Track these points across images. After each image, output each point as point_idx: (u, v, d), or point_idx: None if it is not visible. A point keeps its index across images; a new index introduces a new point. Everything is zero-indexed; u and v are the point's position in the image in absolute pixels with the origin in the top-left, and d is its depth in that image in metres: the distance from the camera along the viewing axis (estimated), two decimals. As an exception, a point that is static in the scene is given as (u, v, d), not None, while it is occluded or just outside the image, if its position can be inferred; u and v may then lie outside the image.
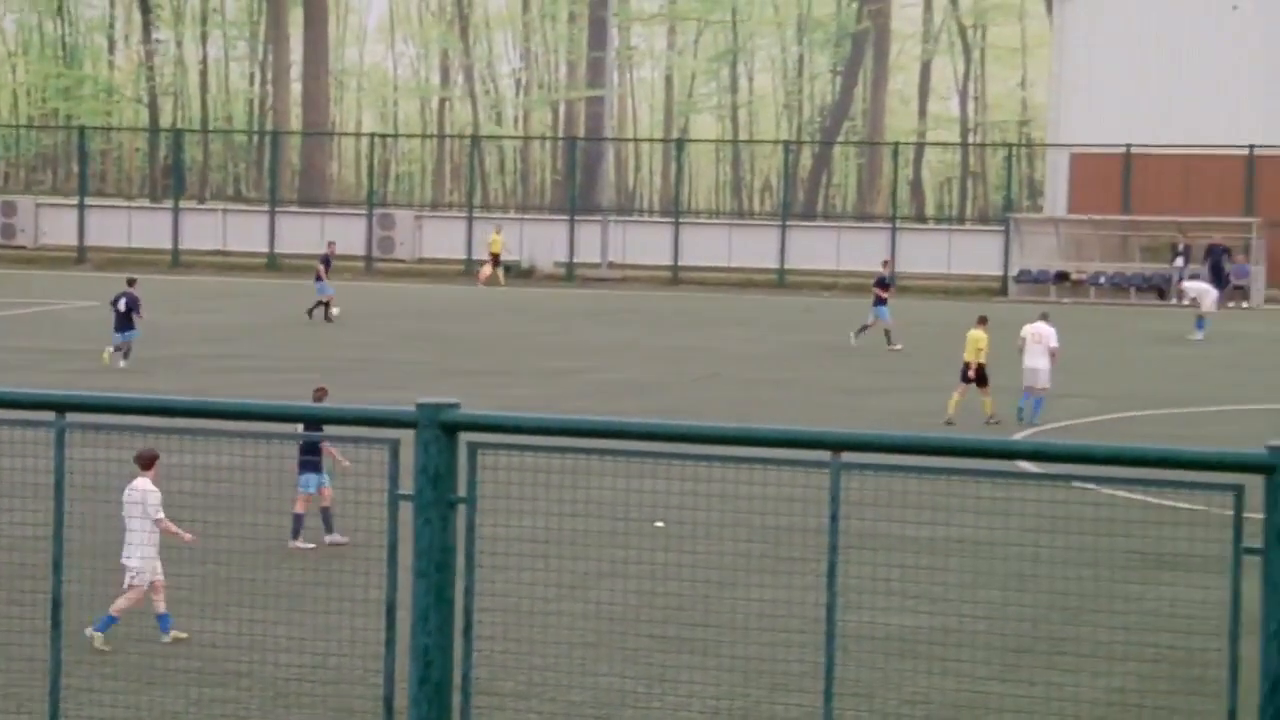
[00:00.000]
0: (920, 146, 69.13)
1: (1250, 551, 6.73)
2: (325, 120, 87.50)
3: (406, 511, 7.57)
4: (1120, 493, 20.23)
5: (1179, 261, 60.77)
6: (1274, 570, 6.58)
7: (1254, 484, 6.72)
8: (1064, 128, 67.16)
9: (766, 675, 15.08)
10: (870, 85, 70.08)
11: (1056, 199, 67.18)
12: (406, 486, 7.61)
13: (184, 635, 16.73)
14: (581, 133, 72.28)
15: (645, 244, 69.11)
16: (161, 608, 16.80)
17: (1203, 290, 50.92)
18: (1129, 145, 64.08)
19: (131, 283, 39.34)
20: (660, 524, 18.04)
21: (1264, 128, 63.28)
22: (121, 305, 38.05)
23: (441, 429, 7.42)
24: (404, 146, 76.05)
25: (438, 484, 7.44)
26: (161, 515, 16.89)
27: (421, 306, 56.99)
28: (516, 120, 74.92)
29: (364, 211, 71.83)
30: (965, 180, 68.63)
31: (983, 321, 34.79)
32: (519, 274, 68.27)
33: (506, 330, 49.89)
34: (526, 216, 71.93)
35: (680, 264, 67.37)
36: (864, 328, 46.17)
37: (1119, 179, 64.64)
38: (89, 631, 16.32)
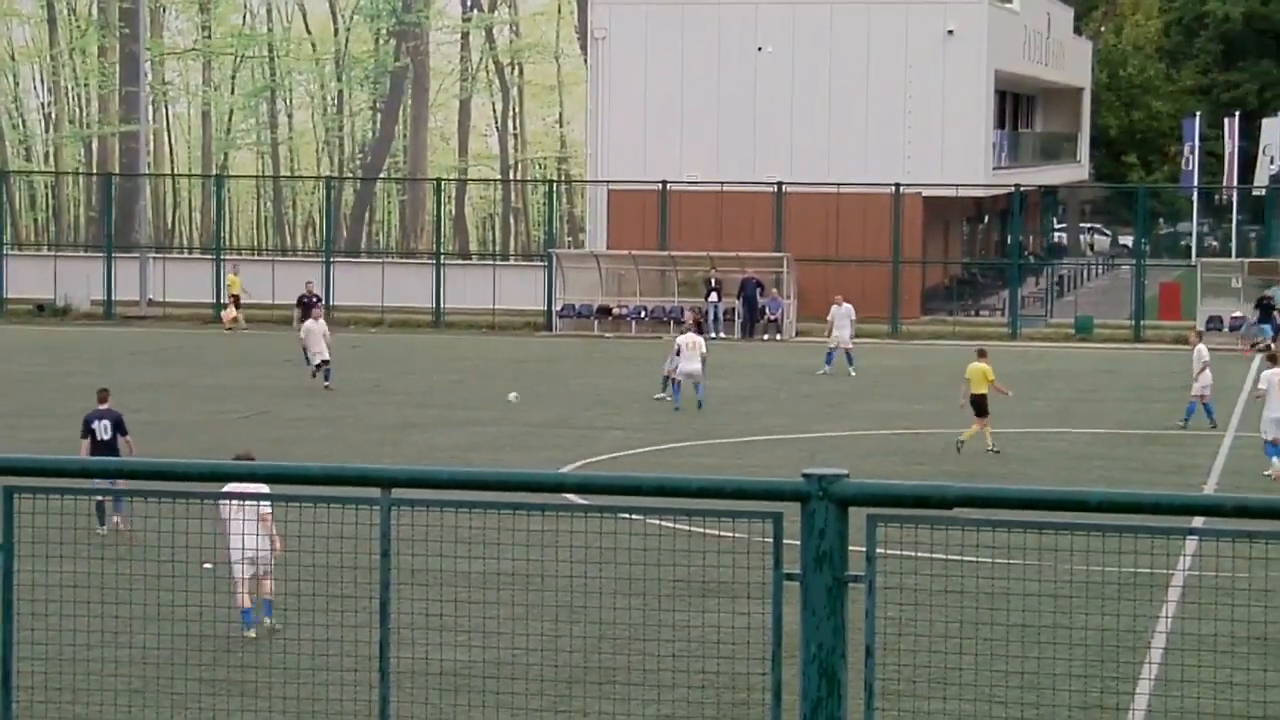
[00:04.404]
0: (462, 183, 69.54)
1: (790, 577, 6.94)
2: None
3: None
4: (665, 523, 20.65)
5: (713, 296, 62.39)
6: (812, 595, 6.80)
7: (791, 511, 6.95)
8: (601, 164, 68.35)
9: (321, 715, 14.94)
10: (411, 122, 70.24)
11: (597, 235, 68.29)
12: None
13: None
14: (116, 168, 70.69)
15: (186, 281, 67.82)
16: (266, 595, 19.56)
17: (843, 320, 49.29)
18: (664, 182, 65.58)
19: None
20: (208, 565, 17.73)
21: (791, 164, 65.48)
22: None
23: (-27, 474, 7.18)
24: (-72, 182, 73.48)
25: (-29, 531, 7.21)
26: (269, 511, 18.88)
27: (-51, 348, 54.88)
28: (47, 156, 72.85)
29: (-116, 250, 68.90)
30: (508, 216, 69.33)
31: (982, 355, 36.26)
32: (54, 313, 66.29)
33: (42, 371, 48.38)
34: (61, 254, 69.95)
35: (222, 301, 66.32)
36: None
37: (656, 215, 66.08)
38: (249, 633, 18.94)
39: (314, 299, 54.07)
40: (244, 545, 18.55)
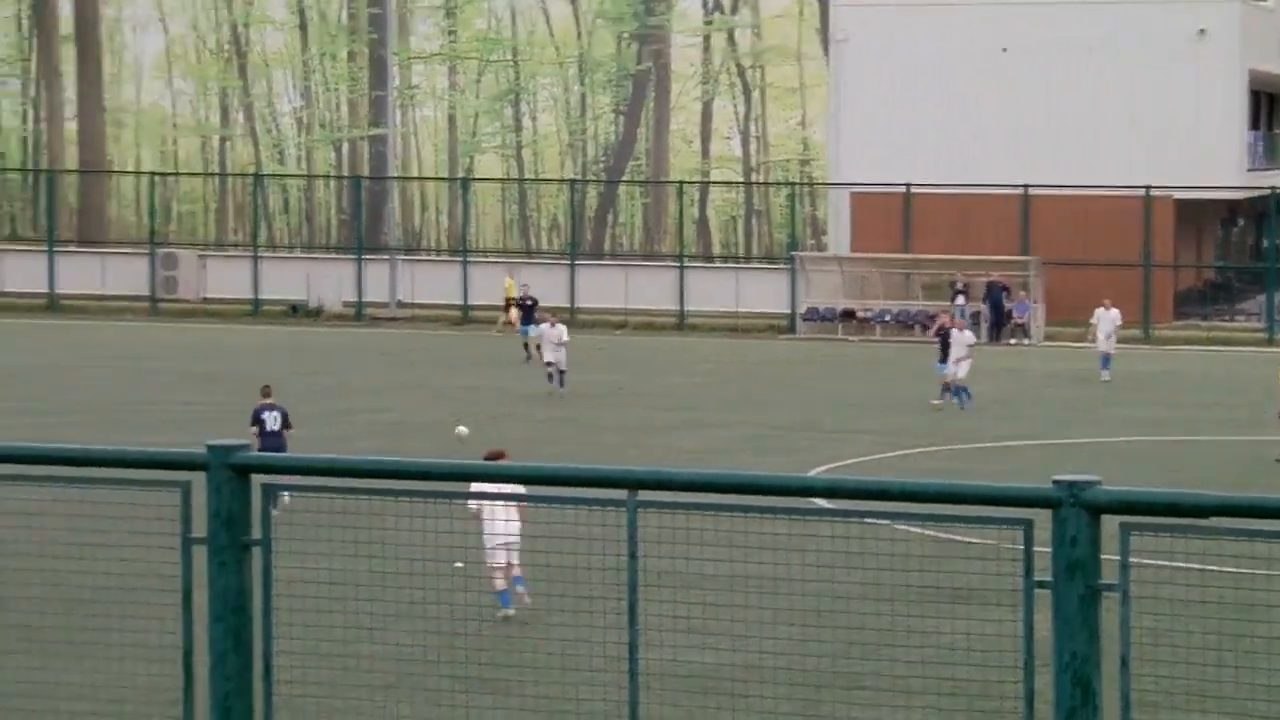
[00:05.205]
0: (704, 186, 69.69)
1: (1041, 585, 6.87)
2: (102, 158, 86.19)
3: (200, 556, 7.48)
4: (912, 528, 20.51)
5: (959, 300, 61.84)
6: (1064, 603, 6.72)
7: (1042, 518, 6.88)
8: (844, 167, 68.08)
9: (571, 714, 15.07)
10: (653, 125, 70.63)
11: (839, 237, 68.06)
12: (199, 530, 7.52)
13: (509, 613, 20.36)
14: (365, 171, 71.88)
15: (433, 283, 68.86)
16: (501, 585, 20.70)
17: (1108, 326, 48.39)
18: (908, 184, 65.14)
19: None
20: (460, 565, 17.97)
21: (1037, 167, 64.65)
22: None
23: (233, 471, 7.36)
24: (185, 185, 75.24)
25: (231, 527, 7.38)
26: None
27: (207, 347, 56.28)
28: (299, 159, 74.38)
29: (145, 251, 70.80)
30: (750, 219, 69.36)
31: None
32: (307, 314, 67.66)
33: (295, 371, 49.38)
34: (313, 256, 71.40)
35: (469, 303, 67.18)
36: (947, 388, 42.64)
37: (899, 218, 65.66)
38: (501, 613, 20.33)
39: (531, 300, 54.57)
40: (499, 531, 19.52)
